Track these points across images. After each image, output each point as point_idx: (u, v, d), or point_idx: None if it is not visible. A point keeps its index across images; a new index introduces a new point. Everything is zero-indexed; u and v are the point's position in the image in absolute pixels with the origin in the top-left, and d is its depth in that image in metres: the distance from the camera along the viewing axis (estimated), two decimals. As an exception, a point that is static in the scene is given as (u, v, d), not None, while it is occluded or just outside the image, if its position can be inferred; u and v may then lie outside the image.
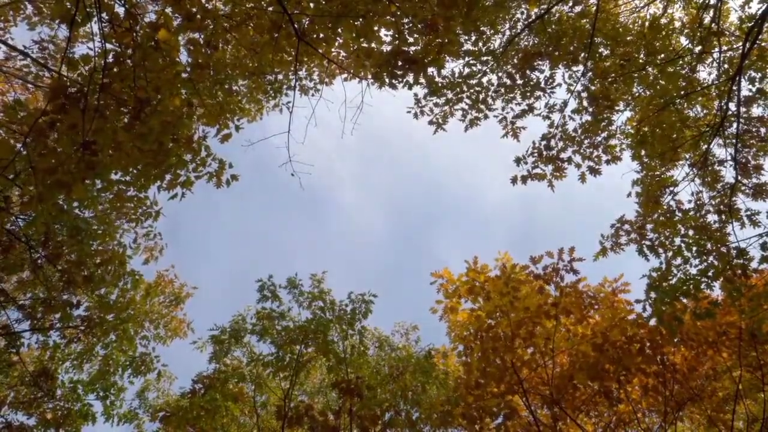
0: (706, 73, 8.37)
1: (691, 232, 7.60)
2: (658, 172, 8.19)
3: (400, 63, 3.63)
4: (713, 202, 7.68)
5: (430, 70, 3.52)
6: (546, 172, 8.59)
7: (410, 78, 3.90)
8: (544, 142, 8.51)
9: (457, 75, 8.34)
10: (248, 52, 5.31)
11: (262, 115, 8.44)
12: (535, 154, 8.54)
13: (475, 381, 8.75)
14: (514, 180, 8.55)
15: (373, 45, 3.86)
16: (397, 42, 3.80)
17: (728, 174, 8.12)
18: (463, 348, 9.40)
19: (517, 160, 8.54)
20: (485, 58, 8.35)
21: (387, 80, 3.89)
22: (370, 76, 4.62)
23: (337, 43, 4.29)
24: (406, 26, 3.90)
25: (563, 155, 8.56)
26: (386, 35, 4.81)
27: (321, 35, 4.12)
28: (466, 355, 9.29)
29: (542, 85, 8.36)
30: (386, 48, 4.03)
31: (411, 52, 3.64)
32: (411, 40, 3.91)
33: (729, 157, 7.53)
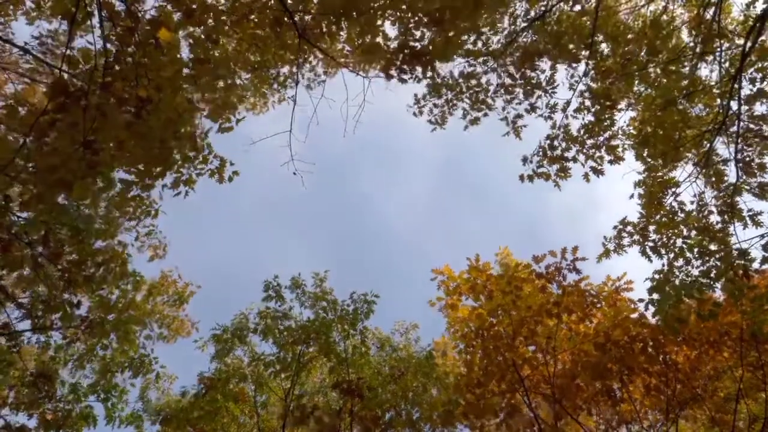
0: (707, 72, 8.35)
1: (693, 233, 7.59)
2: (660, 173, 8.17)
3: (407, 57, 3.61)
4: (716, 203, 7.66)
5: (438, 63, 3.51)
6: (550, 171, 8.59)
7: (419, 72, 3.88)
8: (548, 142, 8.51)
9: (457, 75, 8.34)
10: (250, 47, 5.30)
11: (267, 109, 8.44)
12: (540, 154, 8.55)
13: (476, 379, 8.74)
14: (521, 178, 8.57)
15: (378, 40, 3.85)
16: (403, 37, 3.78)
17: (731, 173, 8.11)
18: (464, 346, 9.39)
19: (524, 160, 8.56)
20: (484, 58, 8.34)
21: (395, 75, 3.87)
22: (374, 71, 4.61)
23: (341, 39, 4.27)
24: (412, 20, 3.88)
25: (567, 155, 8.55)
26: (392, 30, 4.79)
27: (325, 30, 4.10)
28: (467, 353, 9.28)
29: (543, 84, 8.34)
30: (393, 43, 4.01)
31: (418, 47, 3.62)
32: (417, 34, 3.89)
33: (731, 156, 7.52)
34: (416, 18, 3.76)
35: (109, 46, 4.20)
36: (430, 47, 3.50)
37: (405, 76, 3.96)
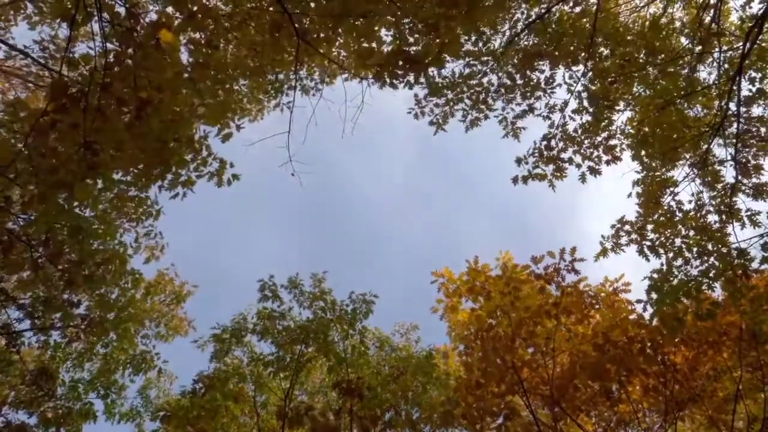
0: (706, 73, 8.36)
1: (691, 233, 7.61)
2: (658, 173, 8.19)
3: (400, 63, 3.63)
4: (713, 203, 7.68)
5: (431, 70, 3.53)
6: (546, 172, 8.59)
7: (411, 78, 3.91)
8: (544, 142, 8.51)
9: (457, 75, 8.35)
10: (249, 52, 5.33)
11: (263, 116, 8.45)
12: (536, 155, 8.54)
13: (475, 381, 8.77)
14: (515, 180, 8.56)
15: (373, 45, 3.87)
16: (398, 42, 3.81)
17: (728, 174, 8.14)
18: (463, 348, 9.42)
19: (518, 161, 8.54)
20: (485, 58, 8.35)
21: (388, 80, 3.90)
22: (370, 76, 4.63)
23: (337, 43, 4.30)
24: (407, 26, 3.91)
25: (563, 155, 8.55)
26: (387, 35, 4.82)
27: (322, 35, 4.12)
28: (467, 354, 9.31)
29: (542, 85, 8.35)
30: (387, 48, 4.03)
31: (412, 52, 3.64)
32: (411, 40, 3.92)
33: (729, 157, 7.54)
34: (411, 24, 3.79)
35: (109, 46, 4.23)
36: (425, 53, 3.52)
37: (396, 81, 3.98)
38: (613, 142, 8.50)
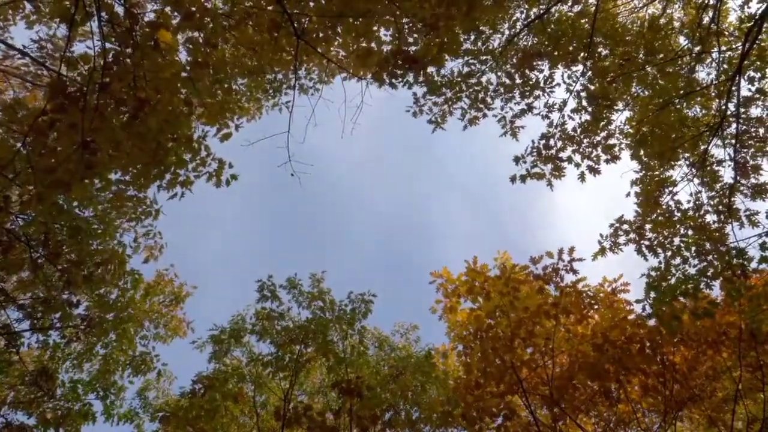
0: (705, 74, 8.37)
1: (690, 232, 7.62)
2: (657, 172, 8.20)
3: (400, 62, 3.63)
4: (712, 202, 7.70)
5: (430, 68, 3.54)
6: (545, 171, 8.59)
7: (410, 77, 3.93)
8: (543, 141, 8.51)
9: (456, 74, 8.35)
10: (247, 51, 5.34)
11: (261, 115, 8.46)
12: (534, 154, 8.54)
13: (475, 381, 8.76)
14: (513, 179, 8.55)
15: (372, 44, 3.88)
16: (397, 41, 3.82)
17: (727, 174, 8.15)
18: (462, 348, 9.41)
19: (516, 159, 8.54)
20: (484, 57, 8.36)
21: (387, 79, 3.90)
22: (369, 76, 4.63)
23: (336, 43, 4.30)
24: (407, 26, 3.92)
25: (562, 154, 8.56)
26: (386, 35, 4.83)
27: (321, 35, 4.13)
28: (466, 355, 9.30)
29: (541, 84, 8.37)
30: (386, 48, 4.04)
31: (411, 52, 3.65)
32: (411, 39, 3.93)
33: (728, 158, 7.55)
34: (411, 23, 3.80)
35: (108, 45, 4.23)
36: (424, 52, 3.53)
37: (396, 81, 3.99)
38: (612, 141, 8.52)
